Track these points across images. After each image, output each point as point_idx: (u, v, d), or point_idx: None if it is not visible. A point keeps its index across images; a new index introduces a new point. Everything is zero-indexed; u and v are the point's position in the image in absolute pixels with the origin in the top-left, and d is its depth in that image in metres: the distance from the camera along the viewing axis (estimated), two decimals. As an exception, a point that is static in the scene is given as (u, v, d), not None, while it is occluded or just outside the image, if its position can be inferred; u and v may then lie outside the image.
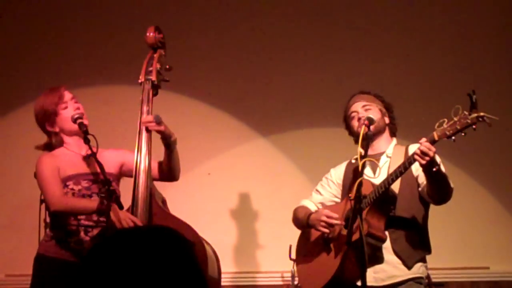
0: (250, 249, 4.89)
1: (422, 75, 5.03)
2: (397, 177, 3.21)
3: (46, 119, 3.44)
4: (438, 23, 5.10)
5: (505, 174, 4.94)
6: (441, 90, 5.02)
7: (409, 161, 3.13)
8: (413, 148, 3.42)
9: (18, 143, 4.43)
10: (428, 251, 3.45)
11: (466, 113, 2.92)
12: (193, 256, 1.33)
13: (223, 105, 5.08)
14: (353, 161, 3.51)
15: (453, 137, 2.98)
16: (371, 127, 3.35)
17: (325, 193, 3.65)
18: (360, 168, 3.20)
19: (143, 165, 3.30)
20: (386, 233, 3.33)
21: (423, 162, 3.05)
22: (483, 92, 4.93)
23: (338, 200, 3.63)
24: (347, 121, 3.58)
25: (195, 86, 5.08)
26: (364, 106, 3.50)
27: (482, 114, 2.89)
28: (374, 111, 3.47)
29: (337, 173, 3.64)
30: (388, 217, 3.33)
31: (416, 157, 3.06)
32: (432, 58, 5.05)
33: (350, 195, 3.34)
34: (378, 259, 3.35)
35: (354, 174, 3.40)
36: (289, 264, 4.39)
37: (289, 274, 4.48)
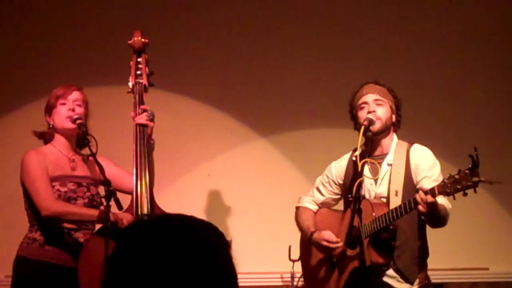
0: (249, 249, 4.89)
1: (422, 75, 5.03)
2: (398, 217, 3.19)
3: (47, 108, 3.47)
4: (438, 23, 5.10)
5: (505, 174, 4.93)
6: (441, 90, 5.02)
7: (410, 205, 3.13)
8: (415, 152, 3.40)
9: (17, 145, 4.43)
10: (427, 257, 3.45)
11: (467, 172, 2.89)
12: (229, 253, 1.32)
13: (223, 106, 5.07)
14: (354, 158, 3.48)
15: (453, 195, 2.98)
16: (374, 126, 3.34)
17: (326, 193, 3.62)
18: (359, 168, 3.20)
19: (143, 167, 3.32)
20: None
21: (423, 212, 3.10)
22: (483, 91, 4.97)
23: (339, 197, 3.62)
24: (354, 109, 3.49)
25: (194, 87, 5.08)
26: (376, 100, 3.41)
27: (483, 179, 2.89)
28: (384, 108, 3.40)
29: (338, 172, 3.59)
30: (390, 240, 3.32)
31: (418, 208, 3.08)
32: (432, 58, 5.05)
33: (349, 195, 3.33)
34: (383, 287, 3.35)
35: (355, 175, 3.37)
36: (288, 265, 4.39)
37: (289, 275, 4.47)
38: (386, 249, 3.31)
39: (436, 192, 3.01)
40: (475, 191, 2.92)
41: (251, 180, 5.01)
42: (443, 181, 3.00)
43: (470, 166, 2.89)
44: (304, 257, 3.68)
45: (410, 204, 3.12)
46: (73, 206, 3.33)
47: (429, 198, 3.00)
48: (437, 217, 3.16)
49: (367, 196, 3.34)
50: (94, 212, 3.25)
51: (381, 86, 3.48)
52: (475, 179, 2.88)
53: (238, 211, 4.95)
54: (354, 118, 3.50)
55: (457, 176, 2.93)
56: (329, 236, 3.40)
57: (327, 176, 3.63)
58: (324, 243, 3.40)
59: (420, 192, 3.06)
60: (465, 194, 2.95)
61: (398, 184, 3.33)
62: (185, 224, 1.32)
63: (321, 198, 3.64)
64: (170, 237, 1.27)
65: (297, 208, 3.69)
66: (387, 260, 3.30)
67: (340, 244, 3.36)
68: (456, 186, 2.94)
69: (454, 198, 2.99)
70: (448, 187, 2.96)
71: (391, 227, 3.26)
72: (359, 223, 3.18)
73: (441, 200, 3.17)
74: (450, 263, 4.70)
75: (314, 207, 3.64)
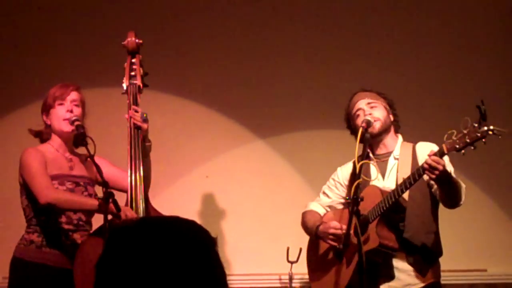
0: (248, 251, 4.89)
1: (422, 76, 5.03)
2: (406, 188, 3.17)
3: (44, 108, 3.47)
4: (439, 24, 5.10)
5: (503, 176, 4.94)
6: (442, 90, 5.02)
7: (418, 172, 3.09)
8: (421, 146, 3.41)
9: (15, 145, 4.42)
10: (440, 253, 3.43)
11: (476, 125, 2.85)
12: (215, 251, 1.32)
13: (221, 108, 5.07)
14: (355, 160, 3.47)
15: (462, 151, 2.92)
16: (373, 129, 3.35)
17: (333, 196, 3.62)
18: (357, 170, 3.19)
19: (137, 168, 3.31)
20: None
21: (433, 176, 3.02)
22: (482, 92, 4.97)
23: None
24: (351, 120, 3.51)
25: (192, 89, 5.08)
26: (369, 103, 3.43)
27: (491, 127, 2.82)
28: (379, 109, 3.43)
29: (344, 174, 3.60)
30: (399, 225, 3.31)
31: (426, 172, 3.01)
32: (433, 59, 5.05)
33: (347, 196, 3.34)
34: (389, 276, 3.33)
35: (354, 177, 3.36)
36: (286, 267, 4.39)
37: (287, 277, 4.47)
38: (395, 230, 3.29)
39: (445, 149, 2.96)
40: (484, 143, 2.86)
41: (249, 181, 5.00)
42: (449, 136, 2.94)
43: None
44: (311, 256, 3.66)
45: (418, 171, 3.08)
46: (73, 194, 3.32)
47: (439, 159, 2.94)
48: (449, 185, 3.09)
49: None
50: (93, 201, 3.22)
51: (369, 91, 3.52)
52: (484, 128, 2.83)
53: (237, 212, 4.95)
54: (353, 129, 3.51)
55: (465, 131, 2.88)
56: (336, 224, 3.39)
57: (334, 180, 3.63)
58: (332, 230, 3.38)
59: (428, 155, 2.99)
60: (474, 147, 2.88)
61: (406, 174, 3.32)
62: (170, 225, 1.33)
63: (327, 201, 3.63)
64: (156, 239, 1.28)
65: (303, 213, 3.68)
66: (396, 242, 3.28)
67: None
68: (465, 139, 2.88)
69: (464, 154, 2.93)
70: (457, 143, 2.91)
71: (401, 213, 3.26)
72: (357, 219, 3.14)
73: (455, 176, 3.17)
74: (448, 264, 4.67)
75: (321, 210, 3.63)
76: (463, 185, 3.23)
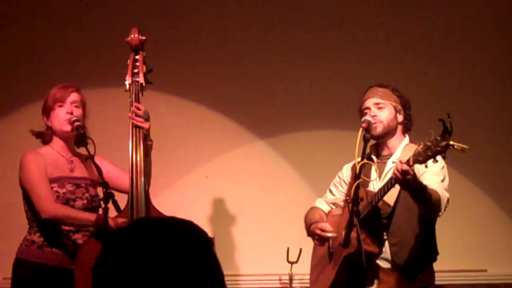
0: (248, 251, 4.89)
1: (423, 77, 5.03)
2: (382, 196, 3.19)
3: (44, 110, 3.46)
4: (438, 25, 5.10)
5: (502, 175, 4.94)
6: (443, 92, 5.02)
7: (391, 181, 3.12)
8: None
9: (17, 146, 4.42)
10: (433, 259, 3.41)
11: (438, 139, 2.86)
12: (212, 251, 1.31)
13: (221, 108, 5.07)
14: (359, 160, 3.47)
15: (425, 164, 2.95)
16: (375, 129, 3.35)
17: (337, 193, 3.62)
18: (357, 170, 3.19)
19: (139, 166, 3.31)
20: (386, 244, 3.31)
21: (400, 185, 3.07)
22: (481, 93, 4.97)
23: None
24: (360, 115, 3.49)
25: (192, 88, 5.07)
26: (377, 103, 3.40)
27: (451, 143, 2.83)
28: (386, 110, 3.40)
29: (348, 172, 3.59)
30: (381, 230, 3.31)
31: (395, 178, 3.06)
32: (433, 60, 5.05)
33: (347, 197, 3.34)
34: (373, 280, 3.33)
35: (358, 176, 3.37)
36: (286, 267, 4.39)
37: (287, 277, 4.47)
38: (377, 235, 3.29)
39: (411, 161, 2.98)
40: (444, 157, 2.90)
41: (249, 182, 5.00)
42: (417, 149, 2.98)
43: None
44: (313, 256, 3.68)
45: (390, 180, 3.11)
46: (72, 210, 3.33)
47: (404, 166, 2.96)
48: (422, 197, 3.11)
49: None
50: (91, 217, 3.26)
51: (384, 88, 3.46)
52: (443, 143, 2.83)
53: (236, 213, 4.95)
54: None
55: (429, 143, 2.90)
56: (323, 226, 3.41)
57: (339, 177, 3.64)
58: (318, 231, 3.41)
59: (397, 163, 3.04)
60: (436, 161, 2.91)
61: None
62: (166, 225, 1.32)
63: (331, 198, 3.64)
64: (152, 239, 1.27)
65: (309, 209, 3.69)
66: (377, 247, 3.28)
67: (333, 235, 3.36)
68: (427, 153, 2.90)
69: (426, 166, 2.96)
70: (421, 155, 2.93)
71: (384, 219, 3.27)
72: (357, 220, 3.15)
73: (436, 186, 3.17)
74: (448, 265, 4.69)
75: (325, 207, 3.64)
76: (444, 196, 3.21)
